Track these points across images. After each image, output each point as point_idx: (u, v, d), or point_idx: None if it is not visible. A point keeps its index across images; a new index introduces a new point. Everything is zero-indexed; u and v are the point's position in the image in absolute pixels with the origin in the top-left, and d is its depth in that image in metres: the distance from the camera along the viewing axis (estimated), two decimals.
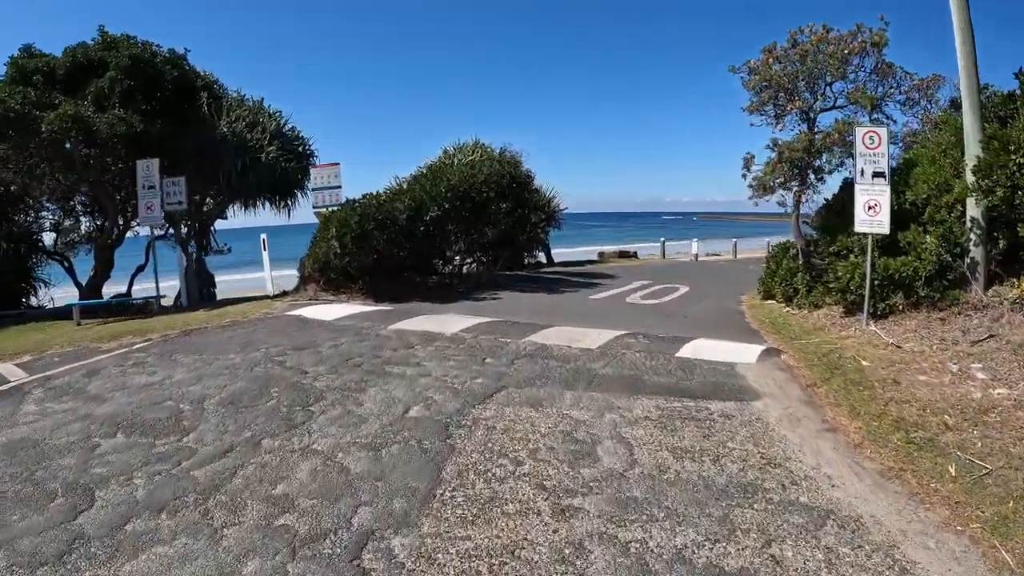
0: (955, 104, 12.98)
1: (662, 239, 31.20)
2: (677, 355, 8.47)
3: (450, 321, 10.40)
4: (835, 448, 5.36)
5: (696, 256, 29.36)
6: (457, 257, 18.64)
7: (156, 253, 14.81)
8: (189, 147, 14.72)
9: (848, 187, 12.71)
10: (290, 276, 15.46)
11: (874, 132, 10.23)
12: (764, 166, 12.75)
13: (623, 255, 30.35)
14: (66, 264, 17.16)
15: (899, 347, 8.68)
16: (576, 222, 24.51)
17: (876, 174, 10.15)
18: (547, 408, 6.18)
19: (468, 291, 14.63)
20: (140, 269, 16.75)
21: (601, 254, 30.41)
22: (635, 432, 5.59)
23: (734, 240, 34.02)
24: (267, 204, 17.90)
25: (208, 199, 17.52)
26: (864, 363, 8.01)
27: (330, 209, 13.96)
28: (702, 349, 8.86)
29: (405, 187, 14.00)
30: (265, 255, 12.91)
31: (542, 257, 25.89)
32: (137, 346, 9.17)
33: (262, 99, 17.57)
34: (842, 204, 13.00)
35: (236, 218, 18.02)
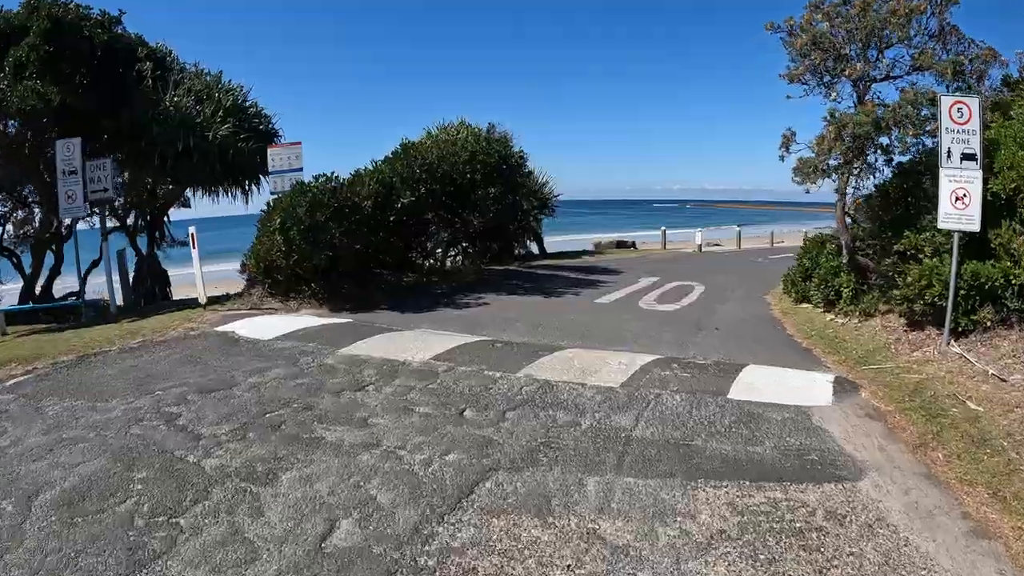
0: (1007, 83, 10.88)
1: (662, 228, 28.88)
2: (730, 396, 6.22)
3: (422, 341, 8.00)
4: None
5: (700, 247, 27.05)
6: (439, 250, 16.25)
7: (108, 247, 12.32)
8: (126, 125, 12.29)
9: (906, 173, 10.54)
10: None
11: (963, 103, 8.06)
12: (814, 144, 10.35)
13: (621, 245, 28.01)
14: (14, 260, 14.94)
15: (1003, 380, 6.63)
16: (566, 209, 22.43)
17: (966, 156, 8.00)
18: (561, 518, 3.84)
19: (449, 293, 12.23)
20: (95, 264, 14.33)
21: (597, 244, 28.05)
22: (714, 572, 3.26)
23: (738, 230, 31.80)
24: (220, 191, 15.34)
25: (161, 186, 15.16)
26: (972, 406, 6.02)
27: None
28: (757, 383, 6.63)
29: (372, 168, 11.49)
30: (194, 254, 10.36)
31: (534, 247, 23.54)
32: (10, 382, 6.69)
33: (220, 72, 15.00)
34: (902, 192, 10.83)
35: (218, 205, 15.55)
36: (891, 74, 10.94)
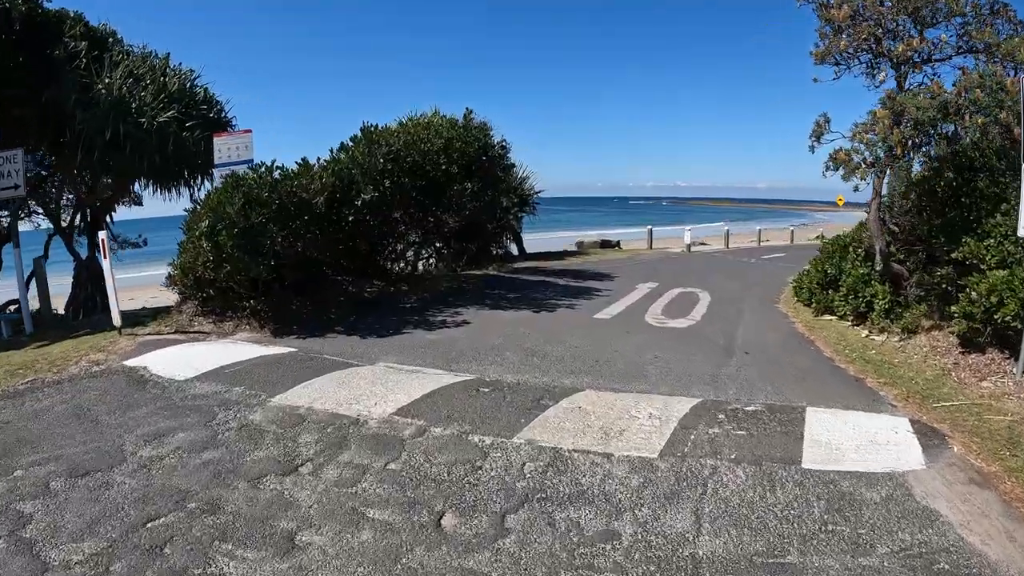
0: None
1: (649, 228, 27.12)
2: (806, 464, 4.54)
3: (383, 382, 6.07)
4: None
5: (688, 247, 25.39)
6: (410, 252, 14.30)
7: (19, 256, 10.13)
8: (50, 111, 10.40)
9: (959, 168, 8.95)
10: None
11: None
12: (859, 132, 8.62)
13: (605, 245, 26.24)
14: None
15: None
16: (541, 207, 20.86)
17: None
18: None
19: (420, 306, 10.30)
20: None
21: (580, 244, 26.25)
22: None
23: (726, 229, 30.26)
24: (157, 186, 13.21)
25: (102, 181, 13.04)
26: None
27: None
28: (829, 439, 5.03)
29: (328, 159, 9.49)
30: (106, 265, 8.23)
31: (513, 248, 21.65)
32: None
33: (168, 54, 12.91)
34: (952, 191, 9.24)
35: (177, 203, 13.44)
36: (931, 57, 9.33)
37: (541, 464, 4.38)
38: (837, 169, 10.12)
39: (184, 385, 6.05)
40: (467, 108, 13.08)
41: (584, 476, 4.24)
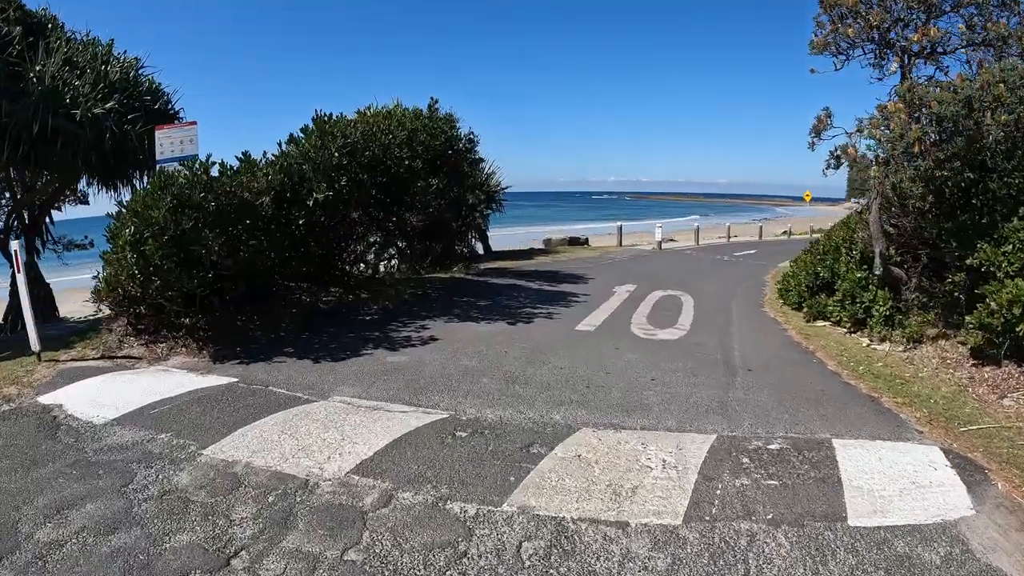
0: None
1: (619, 224, 26.33)
2: (852, 521, 3.81)
3: (338, 426, 5.02)
4: None
5: (660, 244, 24.68)
6: (371, 253, 13.20)
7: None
8: None
9: (971, 167, 8.30)
10: None
11: None
12: (868, 128, 7.84)
13: (573, 242, 25.38)
14: None
15: None
16: (505, 202, 19.92)
17: None
18: None
19: (382, 319, 9.23)
20: None
21: (548, 241, 25.37)
22: None
23: (696, 225, 29.70)
24: (102, 184, 11.89)
25: (41, 179, 11.68)
26: None
27: None
28: (869, 484, 4.33)
29: (276, 153, 8.35)
30: (20, 280, 6.96)
31: (479, 247, 20.67)
32: None
33: (112, 41, 11.58)
34: (962, 192, 8.60)
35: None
36: (934, 50, 8.66)
37: (542, 544, 3.43)
38: (838, 167, 9.41)
39: (102, 431, 4.94)
40: (432, 97, 12.05)
41: (598, 559, 3.31)
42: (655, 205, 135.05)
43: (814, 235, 39.95)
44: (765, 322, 10.59)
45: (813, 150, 9.16)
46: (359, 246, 12.19)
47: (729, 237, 32.12)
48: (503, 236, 27.96)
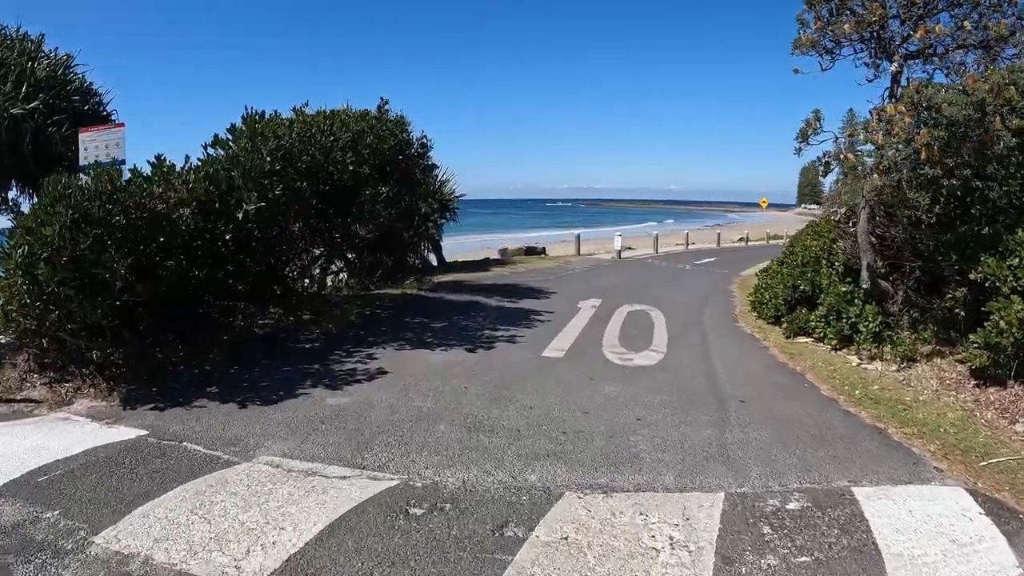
0: None
1: (577, 233, 25.57)
2: None
3: (260, 505, 3.96)
4: None
5: (619, 253, 23.99)
6: (317, 267, 12.09)
7: None
8: None
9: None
10: None
11: None
12: (861, 130, 7.17)
13: (530, 252, 24.49)
14: None
15: None
16: (458, 209, 18.92)
17: None
18: None
19: (324, 347, 8.12)
20: None
21: (504, 251, 24.43)
22: None
23: (655, 233, 29.19)
24: (31, 191, 10.56)
25: None
26: None
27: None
28: (906, 548, 3.68)
29: (201, 158, 7.21)
30: None
31: (432, 258, 19.62)
32: None
33: (42, 36, 10.32)
34: (959, 201, 8.04)
35: None
36: (927, 51, 8.06)
37: None
38: (827, 174, 8.79)
39: None
40: (382, 97, 11.02)
41: None
42: (610, 212, 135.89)
43: (771, 241, 40.24)
44: (743, 339, 9.92)
45: (799, 155, 8.52)
46: (302, 261, 11.08)
47: (687, 245, 31.72)
48: (456, 244, 26.92)
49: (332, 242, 11.14)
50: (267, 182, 6.94)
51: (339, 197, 9.09)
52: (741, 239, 39.76)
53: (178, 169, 6.67)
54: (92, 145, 8.34)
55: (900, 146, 6.69)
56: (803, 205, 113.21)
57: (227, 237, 6.87)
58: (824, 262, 10.53)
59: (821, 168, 8.60)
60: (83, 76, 10.82)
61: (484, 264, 20.30)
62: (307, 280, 12.02)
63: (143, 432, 5.16)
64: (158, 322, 7.17)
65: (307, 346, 8.08)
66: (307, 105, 8.48)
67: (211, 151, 7.20)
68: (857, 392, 6.92)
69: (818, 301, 9.83)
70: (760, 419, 5.88)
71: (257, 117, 7.20)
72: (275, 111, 7.72)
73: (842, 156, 7.13)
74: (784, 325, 10.36)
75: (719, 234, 35.94)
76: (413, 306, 11.42)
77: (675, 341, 9.19)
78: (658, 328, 10.11)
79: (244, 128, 7.17)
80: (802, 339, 9.84)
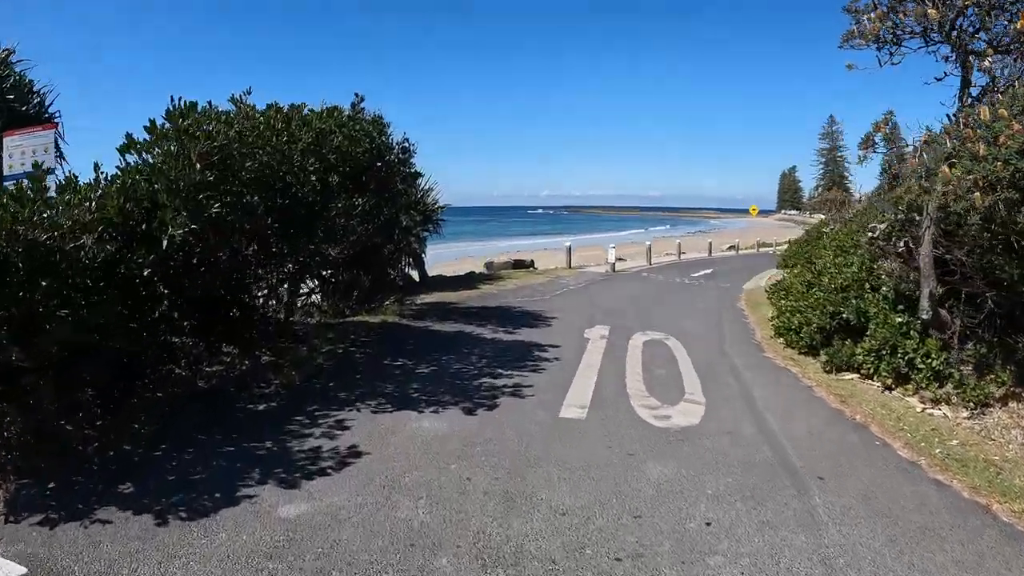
0: None
1: (568, 245, 23.97)
2: None
3: None
4: None
5: (613, 266, 22.49)
6: (284, 289, 10.39)
7: None
8: None
9: None
10: None
11: None
12: (956, 137, 5.73)
13: (519, 265, 22.83)
14: None
15: None
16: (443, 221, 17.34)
17: None
18: None
19: (282, 410, 6.34)
20: None
21: (490, 264, 22.77)
22: None
23: (648, 244, 27.73)
24: None
25: None
26: None
27: None
28: None
29: (122, 168, 5.48)
30: None
31: (414, 273, 17.93)
32: None
33: None
34: None
35: None
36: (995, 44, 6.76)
37: None
38: (893, 188, 7.42)
39: None
40: (356, 93, 9.36)
41: None
42: (592, 219, 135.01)
43: (761, 250, 39.17)
44: (779, 376, 8.51)
45: (862, 164, 7.21)
46: (270, 280, 9.40)
47: (680, 255, 30.39)
48: (438, 254, 25.27)
49: (302, 264, 9.47)
50: (201, 197, 5.24)
51: (305, 213, 7.43)
52: (731, 247, 38.63)
53: (83, 183, 4.98)
54: (18, 151, 6.62)
55: (1015, 157, 5.22)
56: (783, 211, 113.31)
57: (145, 273, 5.16)
58: (868, 286, 9.14)
59: (885, 180, 7.26)
60: (22, 73, 9.08)
61: (470, 280, 18.64)
62: (273, 302, 10.36)
63: (19, 573, 3.50)
64: (71, 378, 5.50)
65: (261, 407, 6.30)
66: (249, 93, 6.54)
67: (130, 158, 5.48)
68: (937, 450, 5.72)
69: (866, 332, 8.44)
70: (851, 506, 4.47)
71: (184, 110, 5.42)
72: (209, 102, 5.92)
73: (943, 172, 5.65)
74: (823, 358, 8.97)
75: (710, 243, 34.64)
76: (394, 340, 9.71)
77: (708, 384, 7.67)
78: (683, 365, 8.59)
79: (167, 125, 5.42)
80: (847, 375, 8.46)
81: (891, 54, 7.49)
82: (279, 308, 10.63)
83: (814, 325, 9.49)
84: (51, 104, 9.07)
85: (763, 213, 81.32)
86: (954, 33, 6.78)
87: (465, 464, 4.97)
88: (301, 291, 11.93)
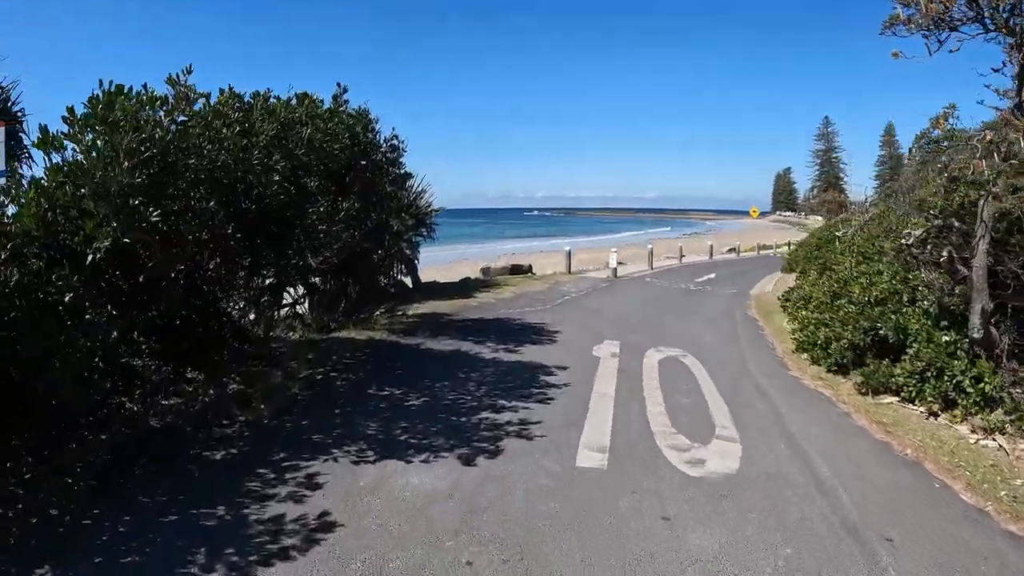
0: None
1: (567, 250, 22.97)
2: None
3: None
4: None
5: (615, 271, 21.57)
6: (264, 300, 9.42)
7: None
8: None
9: None
10: None
11: None
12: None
13: (516, 270, 21.83)
14: None
15: None
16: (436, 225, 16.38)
17: None
18: None
19: (243, 461, 5.29)
20: None
21: (486, 270, 21.76)
22: None
23: (649, 246, 26.79)
24: None
25: None
26: None
27: None
28: None
29: (51, 167, 4.53)
30: None
31: (407, 280, 16.95)
32: None
33: None
34: None
35: None
36: None
37: None
38: (953, 191, 6.57)
39: None
40: (339, 84, 8.36)
41: None
42: (590, 222, 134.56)
43: (761, 252, 38.41)
44: (813, 400, 7.65)
45: (910, 156, 6.30)
46: (234, 300, 8.43)
47: (680, 258, 29.51)
48: (433, 257, 24.19)
49: (278, 274, 8.51)
50: (136, 202, 4.25)
51: (277, 219, 6.46)
52: (732, 249, 37.89)
53: None
54: None
55: None
56: (778, 212, 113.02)
57: (66, 298, 4.17)
58: (906, 299, 8.28)
59: (942, 182, 6.41)
60: None
61: (465, 287, 17.64)
62: (253, 315, 9.41)
63: None
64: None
65: (219, 454, 5.26)
66: (189, 72, 5.34)
67: (56, 157, 4.49)
68: (1003, 493, 5.01)
69: (904, 350, 7.58)
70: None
71: (111, 95, 4.35)
72: (144, 85, 4.80)
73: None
74: (855, 379, 8.12)
75: (711, 245, 33.80)
76: (381, 363, 8.67)
77: (738, 413, 6.75)
78: (706, 389, 7.66)
79: (91, 115, 4.38)
80: (885, 398, 7.60)
81: (940, 41, 6.67)
82: (258, 322, 9.68)
83: (844, 341, 8.64)
84: (18, 98, 8.09)
85: (761, 215, 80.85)
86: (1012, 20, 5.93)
87: (464, 540, 3.94)
88: (285, 302, 10.99)
